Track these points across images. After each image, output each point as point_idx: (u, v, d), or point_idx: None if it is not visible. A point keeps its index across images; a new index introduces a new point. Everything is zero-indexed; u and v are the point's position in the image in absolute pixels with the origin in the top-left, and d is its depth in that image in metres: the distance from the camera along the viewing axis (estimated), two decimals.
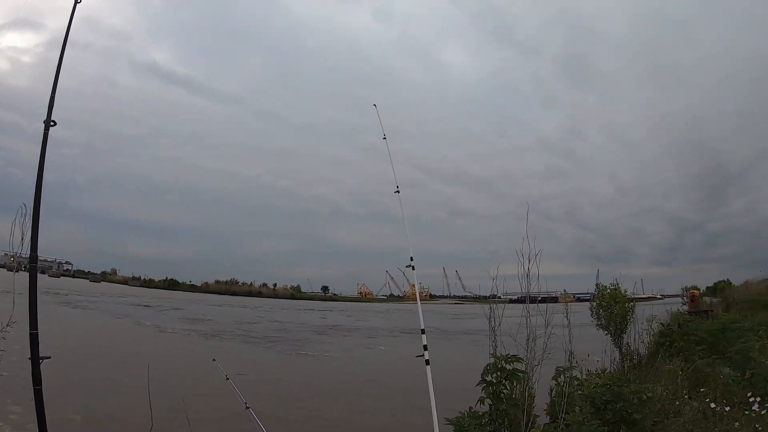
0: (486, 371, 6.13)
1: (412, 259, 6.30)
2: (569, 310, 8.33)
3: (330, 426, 10.88)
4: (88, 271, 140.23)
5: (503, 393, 6.12)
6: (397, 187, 6.88)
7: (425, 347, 5.40)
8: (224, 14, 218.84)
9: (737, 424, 6.87)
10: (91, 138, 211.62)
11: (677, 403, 8.23)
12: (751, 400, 7.31)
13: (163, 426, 6.72)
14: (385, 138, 7.43)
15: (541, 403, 7.11)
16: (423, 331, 5.58)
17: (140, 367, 8.10)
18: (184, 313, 41.96)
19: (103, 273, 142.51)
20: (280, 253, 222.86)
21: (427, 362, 5.34)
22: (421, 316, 5.74)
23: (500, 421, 6.07)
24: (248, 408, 5.94)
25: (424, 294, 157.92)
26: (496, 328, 6.89)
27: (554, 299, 10.63)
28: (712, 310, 27.98)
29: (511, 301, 7.44)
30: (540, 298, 7.98)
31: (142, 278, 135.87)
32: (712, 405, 7.62)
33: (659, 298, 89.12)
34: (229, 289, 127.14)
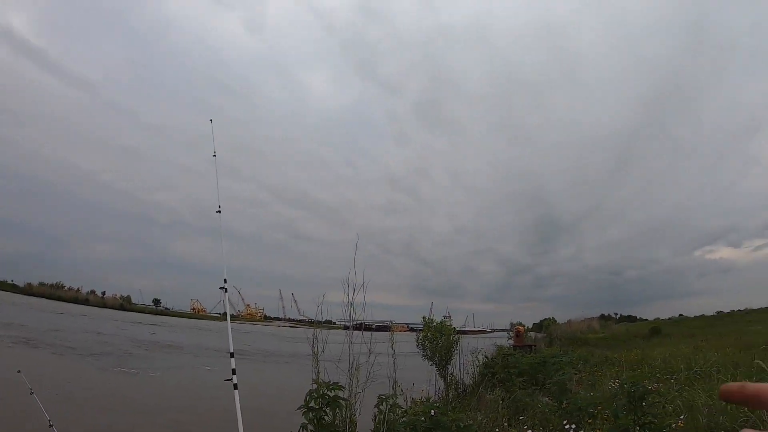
0: (308, 397, 5.97)
1: (225, 281, 6.03)
2: (394, 339, 8.42)
3: None
4: None
5: (324, 419, 5.98)
6: (219, 206, 6.61)
7: (234, 371, 5.16)
8: None
9: None
10: None
11: (497, 430, 8.55)
12: (566, 427, 7.77)
13: None
14: (215, 155, 7.16)
15: (365, 429, 7.07)
16: (232, 355, 5.34)
17: None
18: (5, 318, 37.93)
19: None
20: (112, 259, 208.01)
21: (236, 386, 5.10)
22: (231, 340, 5.49)
23: None
24: (52, 425, 5.39)
25: (259, 315, 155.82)
26: (319, 354, 6.81)
27: (387, 328, 10.74)
28: (535, 345, 29.81)
29: (346, 327, 7.40)
30: (374, 327, 7.97)
31: None
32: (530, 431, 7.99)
33: (489, 332, 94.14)
34: (54, 293, 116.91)
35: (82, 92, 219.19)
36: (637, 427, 5.79)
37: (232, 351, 5.38)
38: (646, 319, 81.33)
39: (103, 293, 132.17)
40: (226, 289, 6.06)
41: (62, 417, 8.19)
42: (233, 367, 5.20)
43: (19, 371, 6.86)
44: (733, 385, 0.68)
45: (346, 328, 7.40)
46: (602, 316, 74.63)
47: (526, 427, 8.46)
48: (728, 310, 58.64)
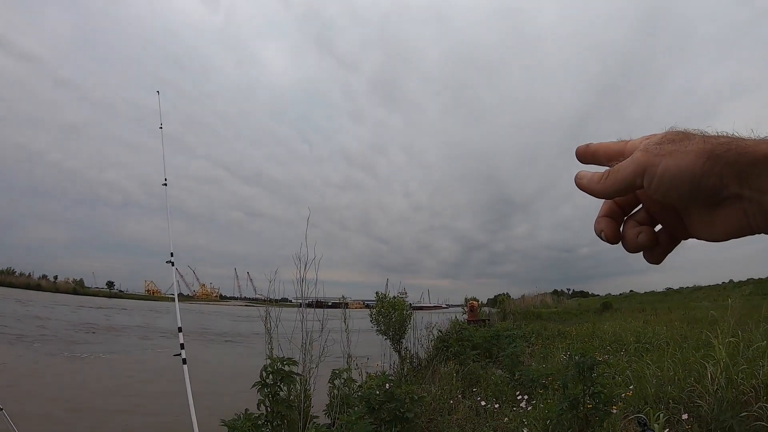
0: (263, 372, 5.93)
1: (172, 254, 5.94)
2: (347, 315, 8.43)
3: (88, 427, 10.00)
4: None
5: (279, 395, 5.96)
6: (165, 179, 6.51)
7: (182, 345, 5.10)
8: None
9: (506, 419, 7.41)
10: None
11: (451, 401, 8.68)
12: (519, 398, 7.95)
13: None
14: (161, 128, 7.04)
15: (320, 404, 7.10)
16: (180, 330, 5.27)
17: None
18: None
19: None
20: (62, 241, 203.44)
21: (184, 361, 5.05)
22: (178, 315, 5.43)
23: (277, 422, 5.92)
24: (1, 409, 5.26)
25: (215, 294, 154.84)
26: (272, 330, 6.78)
27: (344, 305, 10.76)
28: (489, 319, 30.26)
29: (308, 306, 7.38)
30: (329, 303, 7.98)
31: None
32: (483, 403, 8.15)
33: (444, 307, 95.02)
34: (4, 279, 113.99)
35: (28, 66, 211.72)
36: (587, 397, 5.92)
37: (180, 326, 5.31)
38: (598, 295, 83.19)
39: (56, 278, 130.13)
40: (172, 263, 5.97)
41: (12, 401, 8.01)
42: (182, 341, 5.13)
43: None
44: (581, 146, 0.75)
45: (300, 305, 7.38)
46: (555, 292, 75.91)
47: (479, 398, 8.61)
48: (677, 287, 60.09)
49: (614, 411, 6.08)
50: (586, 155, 0.74)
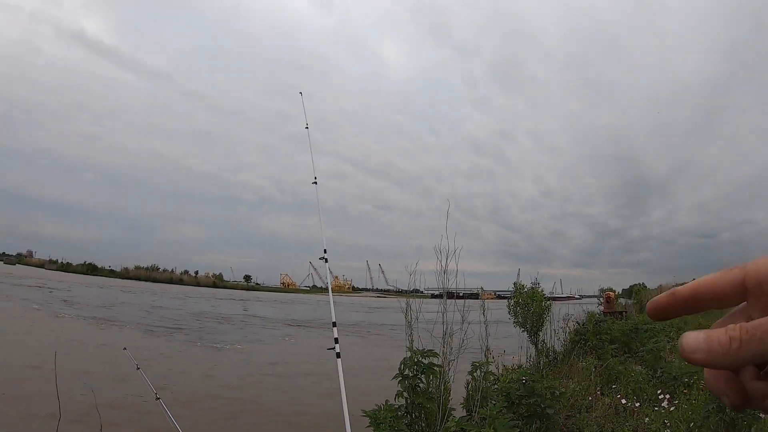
0: (403, 365, 6.12)
1: (325, 251, 6.20)
2: (486, 306, 8.44)
3: (237, 419, 10.64)
4: (2, 253, 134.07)
5: (419, 387, 6.14)
6: (315, 177, 6.73)
7: (336, 340, 5.34)
8: None
9: (647, 419, 7.17)
10: (7, 108, 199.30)
11: (590, 398, 8.49)
12: (660, 397, 7.67)
13: (72, 416, 6.46)
14: (307, 127, 7.31)
15: (457, 397, 7.19)
16: (334, 324, 5.51)
17: (46, 355, 7.77)
18: (98, 300, 39.89)
19: (19, 255, 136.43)
20: (203, 239, 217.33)
21: (338, 355, 5.28)
22: (332, 309, 5.67)
23: (416, 414, 6.09)
24: (159, 399, 5.75)
25: (347, 286, 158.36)
26: (413, 322, 6.92)
27: (475, 296, 10.77)
28: (626, 311, 28.99)
29: (434, 296, 7.49)
30: (461, 294, 8.03)
31: (60, 261, 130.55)
32: (623, 401, 7.94)
33: (577, 298, 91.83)
34: (149, 275, 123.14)
35: (158, 84, 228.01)
36: None
37: (334, 320, 5.56)
38: None
39: (196, 272, 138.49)
40: (326, 259, 6.24)
41: (166, 391, 8.73)
42: (335, 336, 5.38)
43: (125, 348, 7.36)
44: (660, 297, 0.56)
45: (434, 296, 7.49)
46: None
47: (619, 396, 8.38)
48: None
49: (763, 416, 5.78)
50: (671, 308, 0.56)
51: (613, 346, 13.13)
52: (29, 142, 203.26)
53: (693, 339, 0.47)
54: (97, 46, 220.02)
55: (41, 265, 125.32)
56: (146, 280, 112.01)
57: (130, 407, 9.47)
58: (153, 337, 21.25)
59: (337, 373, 5.09)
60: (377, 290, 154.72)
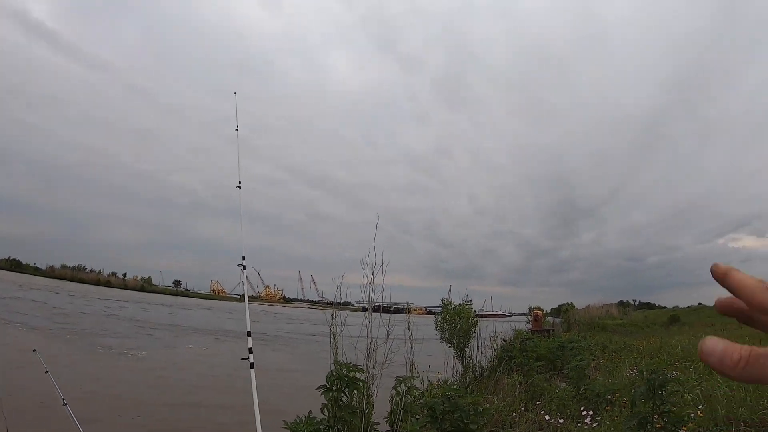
0: (328, 378, 6.00)
1: (244, 258, 5.99)
2: (412, 321, 8.42)
3: (143, 428, 10.23)
4: None
5: (342, 400, 6.02)
6: (240, 182, 6.50)
7: (250, 350, 5.17)
8: None
9: None
10: None
11: (514, 414, 8.55)
12: (583, 413, 7.77)
13: None
14: (237, 129, 7.11)
15: (381, 411, 7.10)
16: (249, 334, 5.33)
17: None
18: (16, 298, 38.29)
19: None
20: (133, 241, 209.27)
21: (252, 365, 5.11)
22: (248, 318, 5.49)
23: (339, 427, 5.98)
24: (66, 404, 5.48)
25: (278, 296, 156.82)
26: (338, 335, 6.82)
27: (405, 310, 10.74)
28: (553, 329, 29.67)
29: (365, 309, 7.41)
30: (392, 308, 7.96)
31: None
32: (547, 417, 8.02)
33: (507, 316, 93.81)
34: (76, 275, 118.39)
35: (101, 74, 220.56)
36: (655, 416, 5.76)
37: (249, 330, 5.38)
38: (665, 307, 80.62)
39: (124, 275, 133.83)
40: (244, 266, 6.01)
41: (75, 396, 8.32)
42: (250, 345, 5.21)
43: (35, 350, 7.00)
44: (720, 267, 0.63)
45: (364, 309, 7.40)
46: (621, 303, 74.17)
47: (543, 412, 8.46)
48: None
49: None
50: (721, 280, 0.63)
51: (538, 363, 13.34)
52: None
53: (712, 344, 0.54)
54: (38, 27, 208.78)
55: None
56: (72, 280, 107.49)
57: (36, 412, 8.99)
58: (62, 342, 20.41)
59: (251, 383, 4.93)
60: (308, 301, 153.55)
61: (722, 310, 0.66)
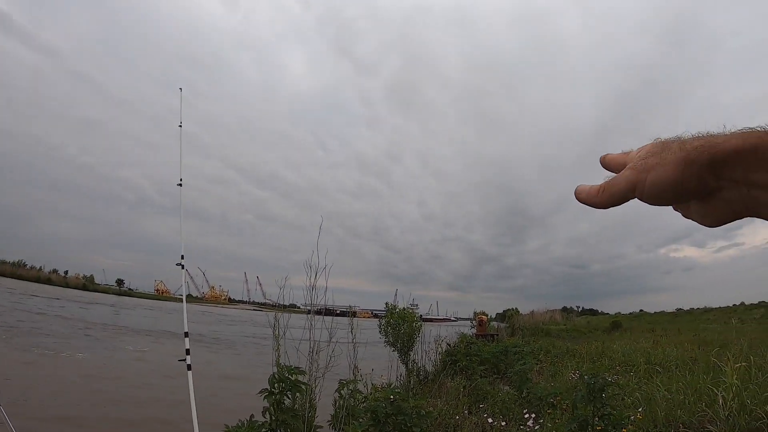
0: (270, 381, 5.88)
1: (182, 257, 5.83)
2: (356, 325, 8.38)
3: (81, 428, 9.89)
4: None
5: (284, 403, 5.91)
6: (181, 179, 6.33)
7: (188, 351, 5.01)
8: None
9: None
10: None
11: (457, 417, 8.56)
12: (526, 416, 7.84)
13: None
14: (181, 125, 6.94)
15: (324, 414, 7.02)
16: (186, 335, 5.18)
17: None
18: None
19: None
20: (75, 237, 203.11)
21: (189, 367, 4.96)
22: (185, 319, 5.35)
23: (281, 430, 5.87)
24: None
25: (224, 297, 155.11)
26: (280, 337, 6.72)
27: (353, 313, 10.69)
28: (497, 334, 30.04)
29: (316, 313, 7.34)
30: (338, 312, 7.89)
31: None
32: (490, 420, 8.05)
33: (453, 320, 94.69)
34: (15, 272, 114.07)
35: (46, 59, 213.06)
36: (596, 418, 5.83)
37: (186, 330, 5.23)
38: (608, 313, 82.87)
39: (66, 273, 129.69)
40: (183, 266, 5.86)
41: (7, 397, 7.99)
42: (187, 347, 5.06)
43: None
44: (602, 156, 0.81)
45: (309, 312, 7.32)
46: (564, 309, 75.50)
47: (486, 415, 8.50)
48: (688, 308, 59.82)
49: None
50: (603, 164, 0.81)
51: (482, 367, 13.45)
52: None
53: (581, 187, 0.76)
54: None
55: None
56: (11, 277, 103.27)
57: None
58: (12, 340, 19.67)
59: (188, 385, 4.78)
60: (254, 303, 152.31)
61: (605, 164, 0.80)
